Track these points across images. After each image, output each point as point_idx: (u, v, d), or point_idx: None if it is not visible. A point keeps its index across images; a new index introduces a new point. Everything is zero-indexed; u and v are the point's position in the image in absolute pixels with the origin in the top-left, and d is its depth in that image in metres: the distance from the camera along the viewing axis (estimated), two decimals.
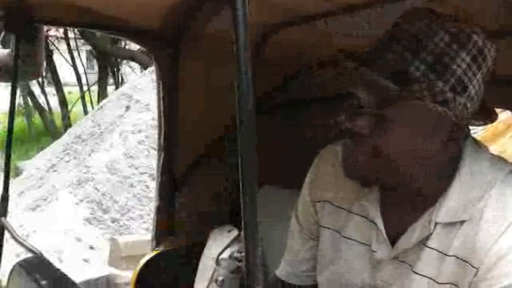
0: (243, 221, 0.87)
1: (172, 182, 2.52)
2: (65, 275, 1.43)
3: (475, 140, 1.28)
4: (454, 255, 1.19)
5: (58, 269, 1.48)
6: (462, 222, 1.19)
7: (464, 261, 1.17)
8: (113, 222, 5.90)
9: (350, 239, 1.37)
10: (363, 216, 1.35)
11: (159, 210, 2.56)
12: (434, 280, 1.22)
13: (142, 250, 4.24)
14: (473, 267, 1.16)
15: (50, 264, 1.55)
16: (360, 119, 1.19)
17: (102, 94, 15.06)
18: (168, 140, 2.50)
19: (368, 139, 1.19)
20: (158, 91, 2.49)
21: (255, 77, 0.87)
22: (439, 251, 1.21)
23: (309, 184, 1.50)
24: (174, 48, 2.39)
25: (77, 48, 16.61)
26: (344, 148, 1.26)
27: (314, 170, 1.49)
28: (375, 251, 1.31)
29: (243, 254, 2.27)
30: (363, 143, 1.20)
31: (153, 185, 5.89)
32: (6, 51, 2.53)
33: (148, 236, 4.70)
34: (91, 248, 5.54)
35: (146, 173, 6.18)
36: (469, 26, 1.17)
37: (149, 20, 2.31)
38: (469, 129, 1.28)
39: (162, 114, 2.50)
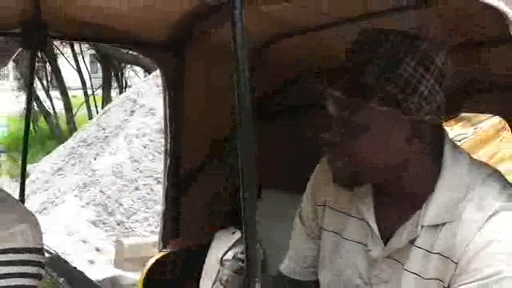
0: (243, 214, 0.93)
1: (178, 185, 2.59)
2: (82, 273, 1.52)
3: (455, 145, 1.39)
4: (437, 253, 1.30)
5: (75, 268, 1.57)
6: (445, 223, 1.30)
7: (446, 257, 1.28)
8: (118, 224, 5.98)
9: (349, 239, 1.48)
10: (360, 218, 1.46)
11: (165, 212, 2.63)
12: (421, 276, 1.32)
13: (147, 252, 4.32)
14: (454, 262, 1.27)
15: (66, 263, 1.64)
16: (330, 129, 1.34)
17: (107, 98, 15.13)
18: (173, 143, 2.57)
19: (340, 146, 1.33)
20: (164, 96, 2.57)
21: (257, 82, 0.94)
22: (425, 250, 1.32)
23: (310, 189, 1.62)
24: (178, 56, 2.46)
25: (81, 53, 16.68)
26: (326, 158, 1.42)
27: (315, 177, 1.61)
28: (370, 250, 1.42)
29: None
30: (338, 150, 1.35)
31: (157, 188, 5.96)
32: None
33: (153, 238, 4.78)
34: (96, 249, 5.62)
35: (151, 176, 6.25)
36: (415, 34, 1.30)
37: (153, 32, 2.39)
38: (447, 135, 1.39)
39: (168, 119, 2.57)
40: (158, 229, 5.72)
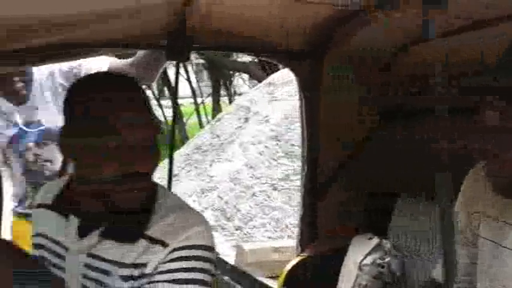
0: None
1: (315, 190, 2.64)
2: (244, 272, 1.58)
3: None
4: None
5: (235, 266, 1.64)
6: None
7: None
8: (236, 229, 6.09)
9: (508, 248, 1.46)
10: None
11: (303, 217, 2.69)
12: None
13: (266, 257, 4.40)
14: None
15: (226, 263, 1.72)
16: (486, 137, 1.33)
17: (216, 106, 15.46)
18: (310, 149, 2.62)
19: (495, 154, 1.33)
20: (300, 103, 2.62)
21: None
22: None
23: (463, 196, 1.61)
24: (316, 61, 2.50)
25: (191, 62, 17.10)
26: (485, 166, 1.41)
27: (467, 185, 1.61)
28: None
29: (385, 260, 2.37)
30: (492, 158, 1.35)
31: (274, 194, 6.03)
32: (127, 61, 2.74)
33: (271, 244, 4.85)
34: (217, 253, 5.74)
35: (267, 183, 6.33)
36: None
37: (292, 39, 2.44)
38: None
39: (304, 125, 2.62)
40: (275, 235, 5.78)
